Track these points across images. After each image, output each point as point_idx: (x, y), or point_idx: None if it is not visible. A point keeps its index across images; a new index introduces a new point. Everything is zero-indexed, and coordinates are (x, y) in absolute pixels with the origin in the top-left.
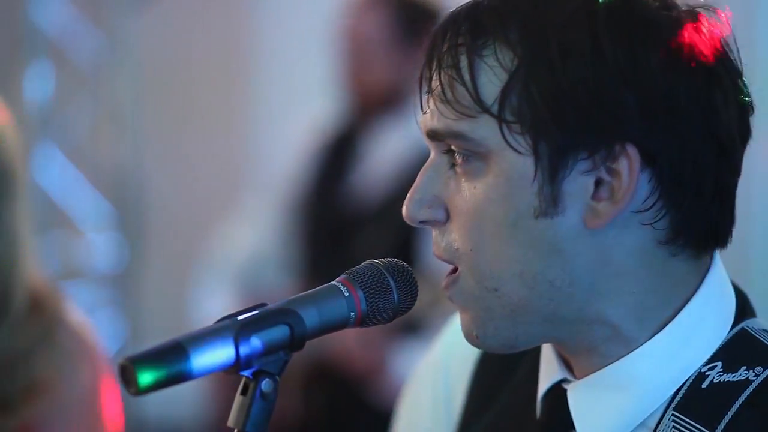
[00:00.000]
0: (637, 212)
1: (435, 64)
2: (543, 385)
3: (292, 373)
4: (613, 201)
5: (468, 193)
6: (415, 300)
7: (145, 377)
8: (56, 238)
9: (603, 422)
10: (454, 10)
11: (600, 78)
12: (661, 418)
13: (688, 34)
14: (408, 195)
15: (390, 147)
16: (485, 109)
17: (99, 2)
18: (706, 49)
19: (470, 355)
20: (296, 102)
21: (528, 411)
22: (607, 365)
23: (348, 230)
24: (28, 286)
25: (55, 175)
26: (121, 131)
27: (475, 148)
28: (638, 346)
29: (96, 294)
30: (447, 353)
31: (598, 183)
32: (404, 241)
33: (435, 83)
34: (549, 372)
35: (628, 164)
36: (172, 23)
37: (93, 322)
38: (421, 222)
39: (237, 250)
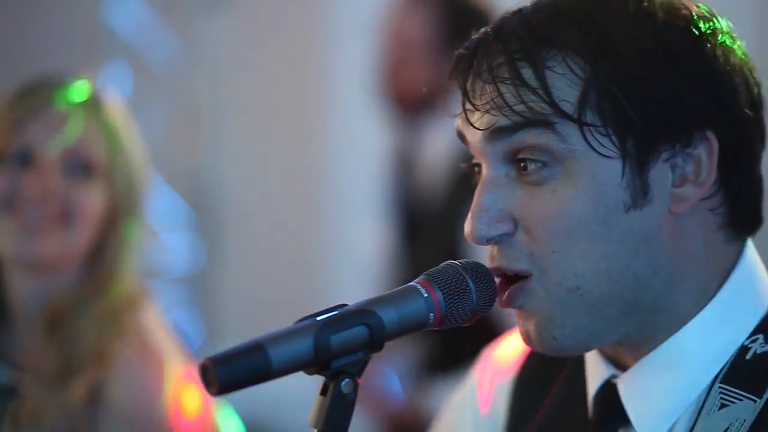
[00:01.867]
0: (704, 199)
1: (487, 76)
2: (593, 386)
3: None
4: (697, 184)
5: (546, 198)
6: (494, 301)
7: (226, 377)
8: None
9: (656, 407)
10: (494, 25)
11: (673, 72)
12: (708, 393)
13: (728, 28)
14: (470, 216)
15: (435, 149)
16: (566, 116)
17: (175, 4)
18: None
19: (508, 373)
20: (370, 99)
21: (579, 413)
22: (656, 348)
23: (409, 234)
24: (126, 281)
25: None
26: (197, 132)
27: (555, 155)
28: (685, 324)
29: (173, 294)
30: (486, 371)
31: (674, 168)
32: (454, 245)
33: (490, 94)
34: (596, 372)
35: (708, 149)
36: (248, 24)
37: (170, 322)
38: (489, 240)
39: (365, 250)
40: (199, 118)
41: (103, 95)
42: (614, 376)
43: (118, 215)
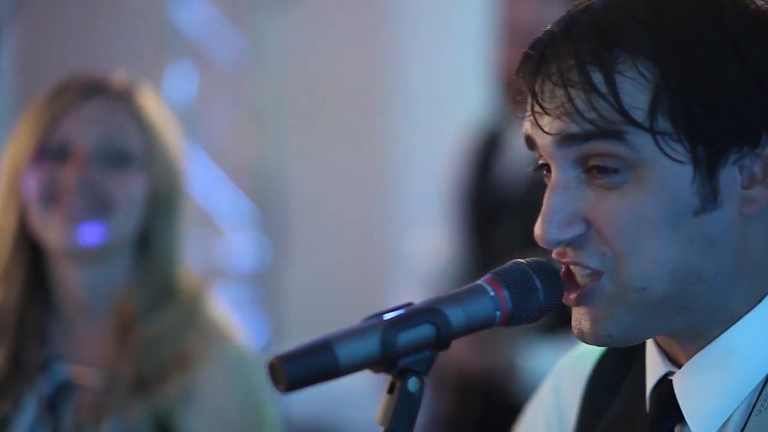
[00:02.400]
0: None
1: (557, 79)
2: (650, 381)
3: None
4: (766, 185)
5: (617, 201)
6: (561, 299)
7: (293, 375)
8: (198, 237)
9: (709, 403)
10: (562, 25)
11: (743, 73)
12: (761, 389)
13: None
14: (540, 219)
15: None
16: (635, 124)
17: (240, 3)
18: None
19: (580, 377)
20: (436, 99)
21: (639, 409)
22: (709, 344)
23: (489, 225)
24: (182, 279)
25: (197, 175)
26: (262, 130)
27: (626, 162)
28: (738, 320)
29: (238, 293)
30: (559, 378)
31: (742, 170)
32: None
33: (560, 99)
34: (654, 368)
35: None
36: (313, 22)
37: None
38: (560, 242)
39: (425, 254)
40: (264, 117)
41: (137, 87)
42: (671, 373)
43: (161, 202)
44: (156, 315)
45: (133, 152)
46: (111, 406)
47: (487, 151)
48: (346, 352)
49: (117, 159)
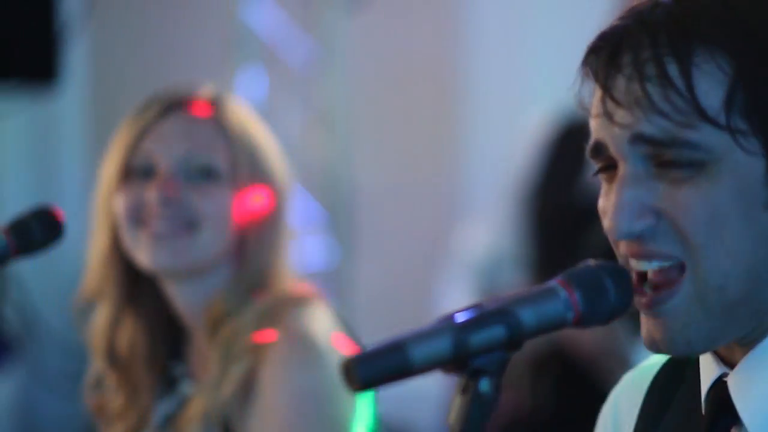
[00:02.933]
0: None
1: (631, 71)
2: (705, 385)
3: (519, 361)
4: None
5: (690, 194)
6: (631, 301)
7: (366, 374)
8: None
9: (766, 403)
10: (635, 17)
11: None
12: None
13: None
14: (612, 211)
15: None
16: (710, 119)
17: (310, 5)
18: None
19: (639, 392)
20: (506, 101)
21: (695, 416)
22: (761, 342)
23: (579, 225)
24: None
25: None
26: (331, 134)
27: (701, 155)
28: None
29: None
30: (618, 395)
31: None
32: None
33: (635, 93)
34: (708, 371)
35: None
36: (383, 25)
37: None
38: (632, 234)
39: (476, 249)
40: (333, 119)
41: (224, 99)
42: (725, 374)
43: (252, 215)
44: (237, 314)
45: (218, 167)
46: (200, 415)
47: (572, 149)
48: (418, 353)
49: (201, 175)
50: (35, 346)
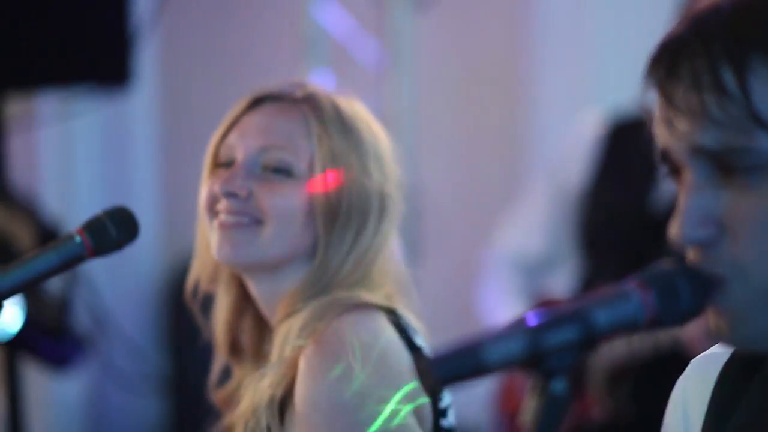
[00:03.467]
0: None
1: (688, 81)
2: None
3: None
4: None
5: (754, 204)
6: (706, 303)
7: (440, 374)
8: None
9: None
10: (691, 26)
11: None
12: None
13: None
14: (676, 219)
15: None
16: (766, 126)
17: (377, 6)
18: None
19: (707, 383)
20: (575, 103)
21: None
22: None
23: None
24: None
25: None
26: (396, 135)
27: (761, 161)
28: None
29: None
30: (686, 384)
31: None
32: None
33: (691, 103)
34: None
35: None
36: (450, 26)
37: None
38: (694, 242)
39: (520, 249)
40: (399, 120)
41: (317, 96)
42: None
43: (327, 215)
44: (297, 314)
45: (294, 164)
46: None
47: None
48: (492, 353)
49: (275, 171)
50: (105, 344)
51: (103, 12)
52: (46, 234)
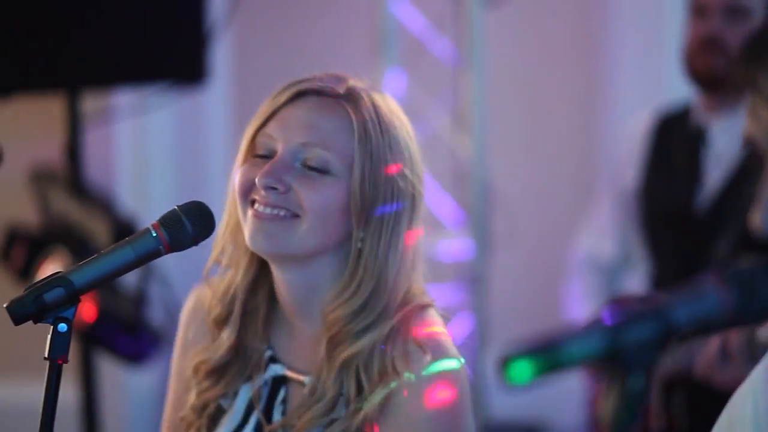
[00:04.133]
0: None
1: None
2: None
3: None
4: None
5: None
6: None
7: (522, 369)
8: None
9: None
10: None
11: None
12: None
13: None
14: (756, 205)
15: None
16: None
17: (451, 6)
18: None
19: None
20: (645, 98)
21: None
22: None
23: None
24: (395, 292)
25: None
26: (466, 133)
27: None
28: None
29: (444, 295)
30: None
31: None
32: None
33: None
34: None
35: None
36: (523, 25)
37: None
38: None
39: (594, 251)
40: (470, 118)
41: (361, 90)
42: None
43: (362, 212)
44: (362, 333)
45: (333, 162)
46: (312, 418)
47: (692, 148)
48: (573, 349)
49: (314, 167)
50: None
51: (179, 11)
52: (122, 229)
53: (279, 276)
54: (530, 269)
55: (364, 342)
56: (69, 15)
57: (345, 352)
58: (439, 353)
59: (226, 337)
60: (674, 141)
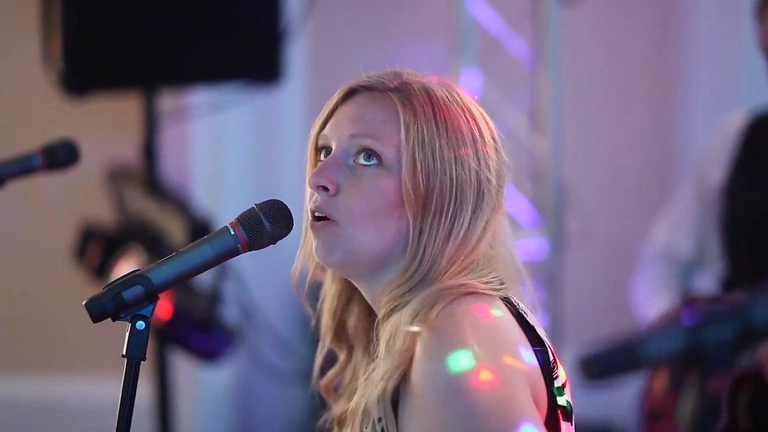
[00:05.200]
0: None
1: None
2: None
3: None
4: None
5: None
6: None
7: (602, 368)
8: None
9: None
10: None
11: None
12: None
13: None
14: None
15: None
16: None
17: (526, 5)
18: None
19: None
20: (722, 98)
21: None
22: None
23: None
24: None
25: None
26: (541, 133)
27: None
28: None
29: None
30: None
31: None
32: None
33: None
34: None
35: None
36: (599, 23)
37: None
38: None
39: (671, 246)
40: (546, 117)
41: (417, 84)
42: None
43: (417, 204)
44: (401, 309)
45: (383, 152)
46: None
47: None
48: (651, 348)
49: (365, 160)
50: (253, 336)
51: (256, 9)
52: (197, 227)
53: (354, 282)
54: (604, 268)
55: (394, 319)
56: (146, 14)
57: (389, 326)
58: (436, 340)
59: (339, 352)
60: (766, 142)
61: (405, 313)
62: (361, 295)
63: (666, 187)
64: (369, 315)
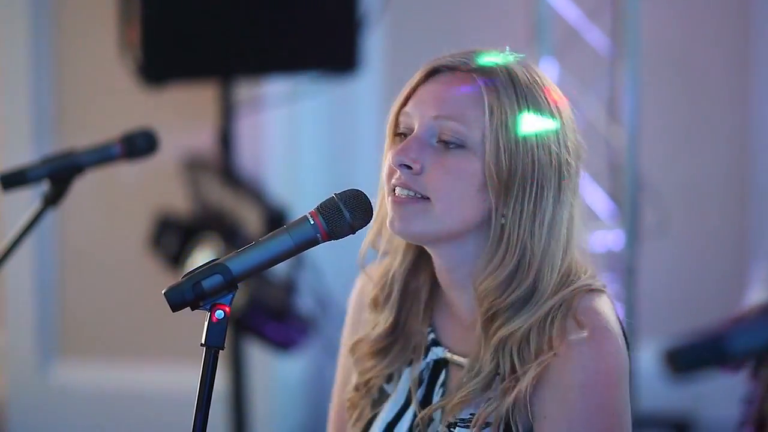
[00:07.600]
0: None
1: None
2: None
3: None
4: None
5: None
6: None
7: (689, 361)
8: None
9: None
10: None
11: None
12: None
13: None
14: None
15: None
16: None
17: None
18: None
19: None
20: None
21: None
22: None
23: None
24: (547, 269)
25: None
26: (620, 123)
27: None
28: None
29: None
30: None
31: None
32: None
33: None
34: None
35: None
36: (675, 13)
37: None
38: None
39: None
40: (623, 108)
41: (498, 64)
42: None
43: (500, 185)
44: (516, 311)
45: (467, 135)
46: (468, 394)
47: None
48: (738, 343)
49: (448, 142)
50: (328, 325)
51: (333, 0)
52: (272, 217)
53: (432, 256)
54: (681, 261)
55: (519, 322)
56: (223, 3)
57: (501, 330)
58: (599, 332)
59: (384, 318)
60: None
61: (531, 317)
62: (429, 270)
63: (746, 180)
64: (433, 289)
